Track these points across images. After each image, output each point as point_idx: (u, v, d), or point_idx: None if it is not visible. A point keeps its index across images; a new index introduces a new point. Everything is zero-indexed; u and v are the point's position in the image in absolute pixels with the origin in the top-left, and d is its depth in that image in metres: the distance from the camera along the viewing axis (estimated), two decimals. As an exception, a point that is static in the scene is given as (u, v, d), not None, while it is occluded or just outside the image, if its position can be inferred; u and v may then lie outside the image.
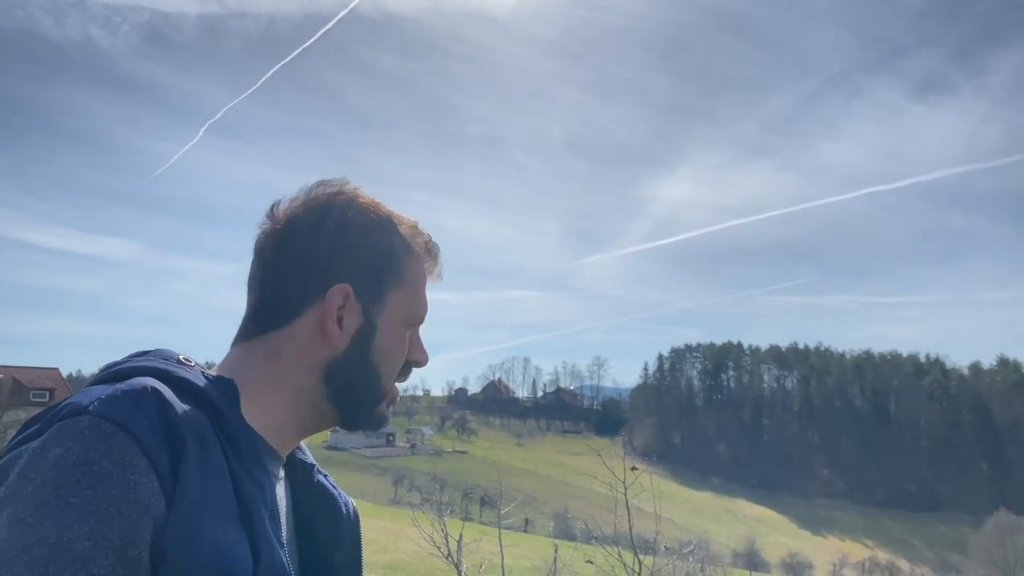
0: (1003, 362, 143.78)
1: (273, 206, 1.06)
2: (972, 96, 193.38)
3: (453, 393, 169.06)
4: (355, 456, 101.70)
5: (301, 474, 1.11)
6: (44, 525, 0.76)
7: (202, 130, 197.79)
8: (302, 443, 1.14)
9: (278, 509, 0.96)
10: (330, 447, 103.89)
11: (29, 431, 0.85)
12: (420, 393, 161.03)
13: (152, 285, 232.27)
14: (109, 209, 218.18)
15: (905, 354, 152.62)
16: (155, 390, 0.86)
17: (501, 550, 7.10)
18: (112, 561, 0.77)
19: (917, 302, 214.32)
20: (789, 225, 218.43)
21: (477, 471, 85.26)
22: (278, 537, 0.93)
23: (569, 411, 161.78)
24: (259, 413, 0.98)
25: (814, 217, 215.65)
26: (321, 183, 1.07)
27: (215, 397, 0.93)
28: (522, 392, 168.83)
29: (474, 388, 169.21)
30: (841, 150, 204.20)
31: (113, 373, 0.93)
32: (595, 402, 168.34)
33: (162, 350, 1.00)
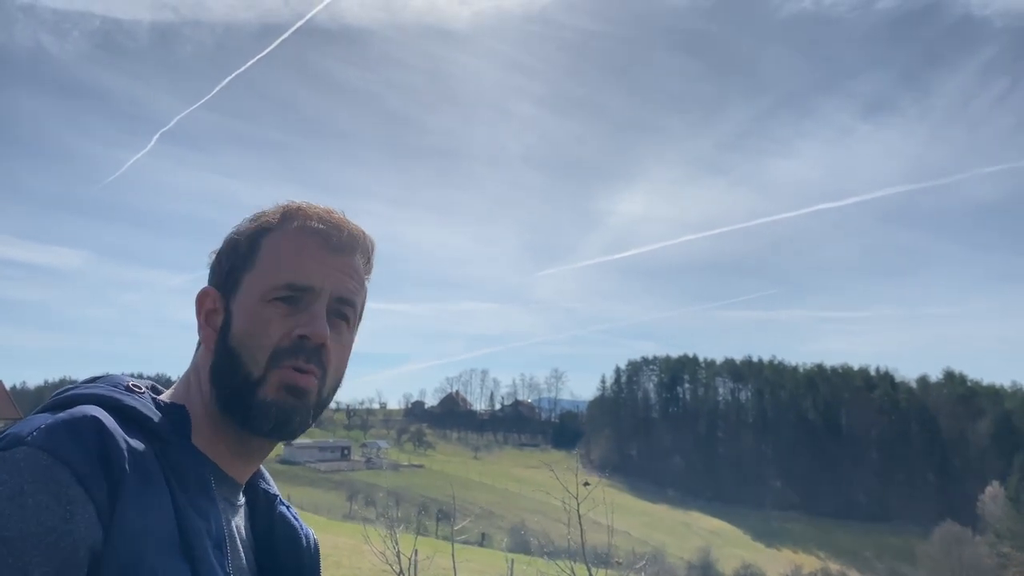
0: (949, 375, 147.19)
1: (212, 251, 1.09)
2: (917, 117, 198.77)
3: (410, 406, 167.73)
4: (308, 470, 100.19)
5: (263, 504, 1.10)
6: None
7: (155, 138, 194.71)
8: (266, 472, 1.13)
9: (226, 539, 0.94)
10: (283, 461, 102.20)
11: None
12: (376, 406, 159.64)
13: (103, 295, 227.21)
14: (58, 217, 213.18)
15: (856, 368, 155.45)
16: (96, 419, 0.85)
17: (454, 565, 7.04)
18: None
19: (867, 317, 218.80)
20: (742, 240, 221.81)
21: (434, 485, 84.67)
22: (223, 567, 0.91)
23: (527, 424, 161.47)
24: (200, 437, 0.97)
25: (766, 233, 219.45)
26: None
27: (160, 426, 0.91)
28: (480, 405, 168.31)
29: (431, 401, 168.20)
30: (792, 167, 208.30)
31: (58, 401, 0.91)
32: (553, 415, 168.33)
33: (112, 376, 0.99)
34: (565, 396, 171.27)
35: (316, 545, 1.14)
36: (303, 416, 1.00)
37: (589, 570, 6.35)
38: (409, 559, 6.99)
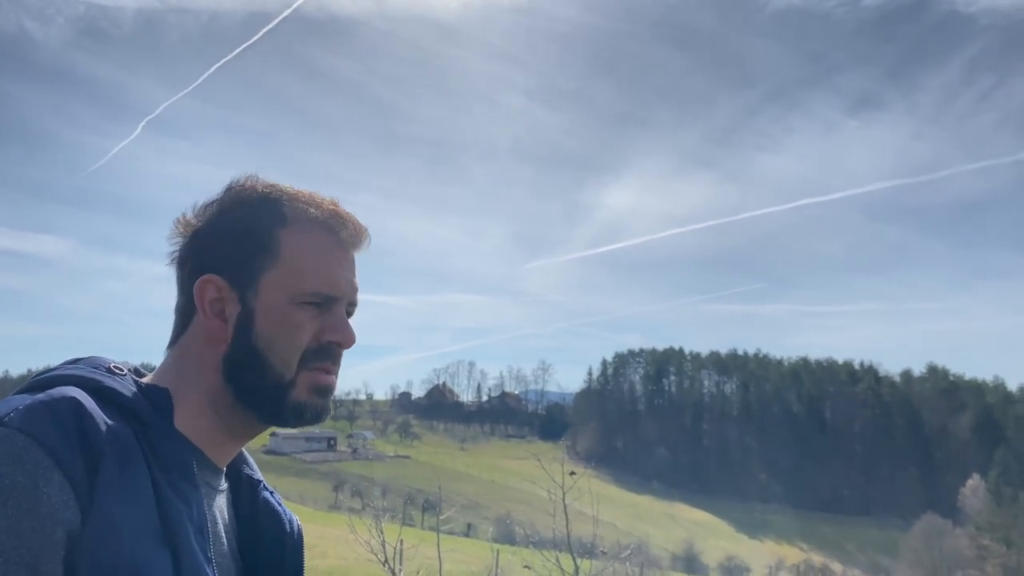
0: (932, 370, 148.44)
1: (177, 219, 1.04)
2: (903, 113, 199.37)
3: (396, 397, 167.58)
4: (295, 461, 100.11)
5: (246, 489, 1.10)
6: None
7: (140, 126, 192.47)
8: (249, 458, 1.13)
9: (207, 523, 0.93)
10: (269, 451, 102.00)
11: None
12: (363, 397, 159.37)
13: (86, 284, 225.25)
14: (41, 205, 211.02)
15: (840, 361, 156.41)
16: (74, 400, 0.84)
17: (439, 555, 7.07)
18: None
19: (851, 311, 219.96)
20: (729, 235, 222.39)
21: (420, 476, 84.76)
22: (205, 552, 0.90)
23: (514, 416, 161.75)
24: (187, 422, 0.96)
25: (753, 227, 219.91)
26: (228, 185, 1.06)
27: (141, 408, 0.90)
28: (467, 396, 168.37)
29: (418, 392, 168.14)
30: (779, 162, 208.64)
31: (38, 382, 0.91)
32: (540, 407, 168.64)
33: (94, 358, 0.98)
34: (552, 388, 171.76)
35: (300, 530, 1.14)
36: (328, 410, 1.03)
37: (574, 559, 6.38)
38: (394, 548, 7.01)
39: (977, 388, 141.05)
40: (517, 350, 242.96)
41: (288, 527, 1.11)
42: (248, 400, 0.99)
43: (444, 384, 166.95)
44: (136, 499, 0.83)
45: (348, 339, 1.02)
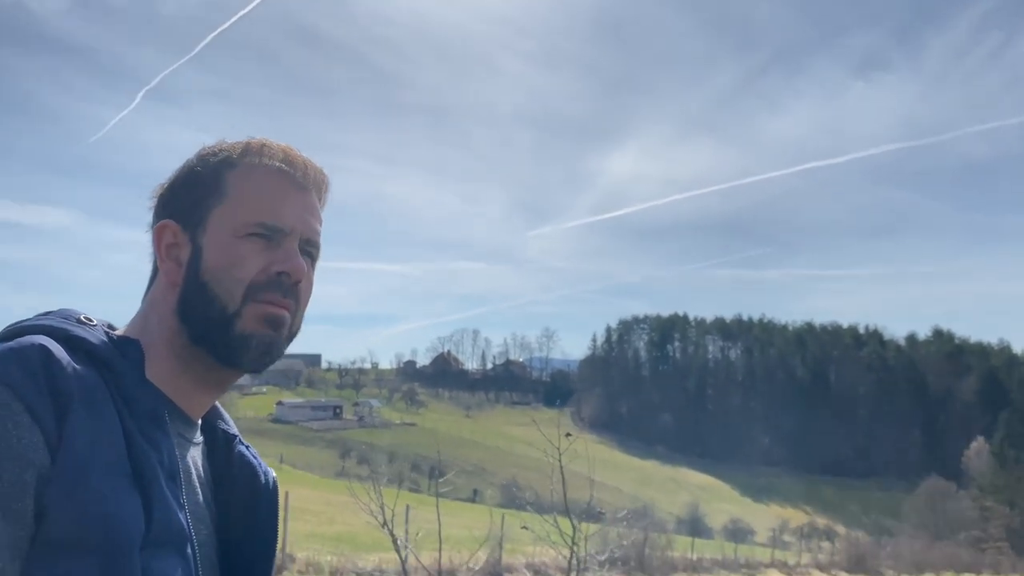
0: (937, 333, 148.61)
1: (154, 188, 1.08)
2: (909, 75, 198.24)
3: (402, 365, 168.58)
4: (300, 429, 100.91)
5: (222, 443, 1.10)
6: None
7: (139, 96, 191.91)
8: (225, 413, 1.13)
9: (179, 471, 0.94)
10: (275, 420, 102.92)
11: None
12: (368, 366, 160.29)
13: (91, 255, 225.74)
14: (42, 176, 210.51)
15: (845, 325, 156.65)
16: (42, 347, 0.85)
17: (439, 518, 7.13)
18: None
19: (856, 275, 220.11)
20: (733, 199, 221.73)
21: (426, 443, 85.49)
22: (177, 498, 0.91)
23: (518, 383, 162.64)
24: (156, 371, 0.96)
25: (757, 192, 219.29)
26: None
27: (110, 356, 0.91)
28: (471, 364, 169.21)
29: (423, 360, 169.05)
30: (783, 125, 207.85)
31: (8, 332, 0.92)
32: (544, 374, 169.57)
33: (64, 310, 0.99)
34: (556, 355, 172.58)
35: (275, 482, 1.14)
36: (279, 347, 1.01)
37: (572, 522, 6.43)
38: (391, 511, 7.10)
39: (982, 351, 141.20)
40: (521, 317, 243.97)
41: (263, 479, 1.11)
42: (199, 338, 0.99)
43: (449, 352, 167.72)
44: (106, 441, 0.84)
45: (295, 269, 0.99)
